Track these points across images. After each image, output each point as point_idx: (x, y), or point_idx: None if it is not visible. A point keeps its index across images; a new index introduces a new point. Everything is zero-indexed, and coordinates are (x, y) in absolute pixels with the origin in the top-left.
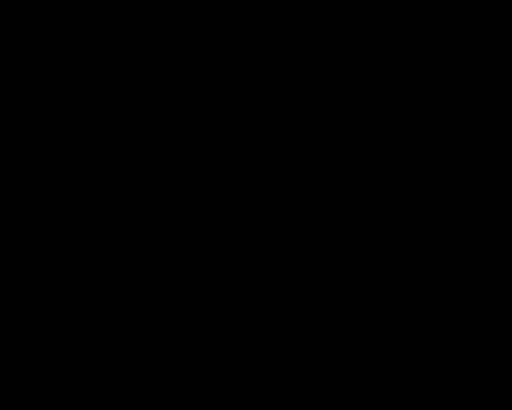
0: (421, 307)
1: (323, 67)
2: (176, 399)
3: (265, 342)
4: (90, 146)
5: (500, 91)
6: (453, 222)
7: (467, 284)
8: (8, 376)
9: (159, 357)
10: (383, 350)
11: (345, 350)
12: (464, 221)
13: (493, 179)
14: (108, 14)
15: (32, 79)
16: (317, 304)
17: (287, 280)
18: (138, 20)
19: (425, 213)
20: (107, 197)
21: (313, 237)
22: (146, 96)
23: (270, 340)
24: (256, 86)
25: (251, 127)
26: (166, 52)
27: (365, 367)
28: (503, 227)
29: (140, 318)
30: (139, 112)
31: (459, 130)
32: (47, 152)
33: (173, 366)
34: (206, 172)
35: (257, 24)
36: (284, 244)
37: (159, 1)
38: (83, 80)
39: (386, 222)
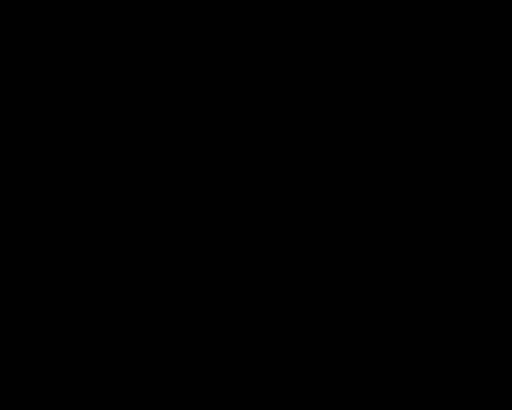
0: (421, 307)
1: (323, 67)
2: (176, 399)
3: (265, 342)
4: (90, 146)
5: (500, 91)
6: (453, 222)
7: (467, 284)
8: (8, 376)
9: (159, 357)
10: (383, 350)
11: (345, 350)
12: (464, 221)
13: (493, 179)
14: (108, 14)
15: (32, 79)
16: (316, 304)
17: (287, 280)
18: (138, 20)
19: (425, 213)
20: (106, 197)
21: (313, 237)
22: (146, 97)
23: (270, 340)
24: (256, 86)
25: (251, 127)
26: (166, 52)
27: (365, 367)
28: (503, 227)
29: (140, 318)
30: (139, 112)
31: (459, 130)
32: (47, 152)
33: (173, 366)
34: (206, 172)
35: (257, 24)
36: (284, 244)
37: (159, 1)
38: (82, 80)
39: (386, 222)
